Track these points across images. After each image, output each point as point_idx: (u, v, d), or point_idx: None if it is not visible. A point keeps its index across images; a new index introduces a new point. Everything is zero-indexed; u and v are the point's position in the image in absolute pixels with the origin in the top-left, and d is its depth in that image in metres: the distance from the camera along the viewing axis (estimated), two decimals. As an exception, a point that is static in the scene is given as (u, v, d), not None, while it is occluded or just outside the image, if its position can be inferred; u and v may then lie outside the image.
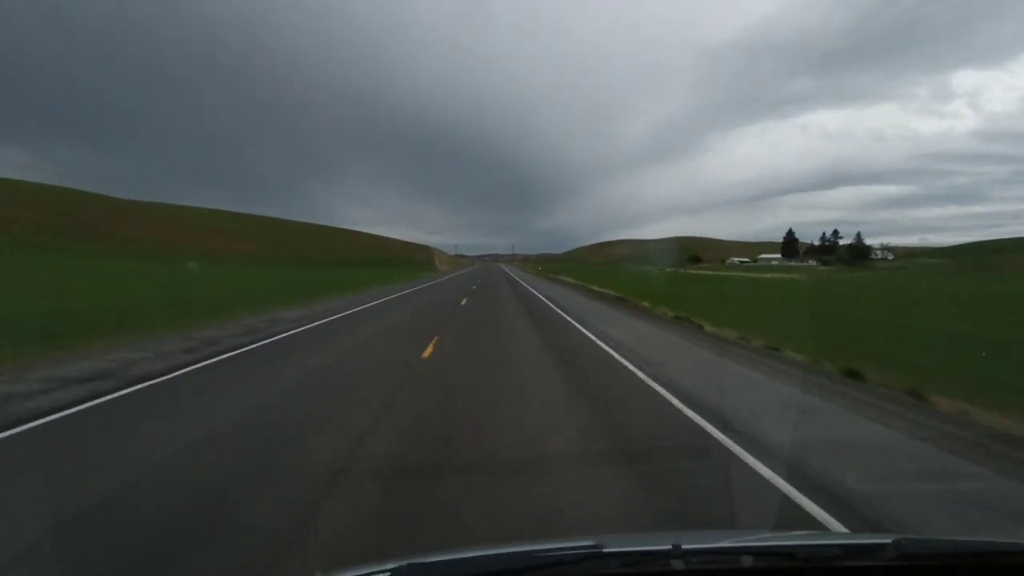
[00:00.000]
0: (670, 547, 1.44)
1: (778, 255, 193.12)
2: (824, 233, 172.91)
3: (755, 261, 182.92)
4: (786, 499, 3.93)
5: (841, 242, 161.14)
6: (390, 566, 1.38)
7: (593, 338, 12.50)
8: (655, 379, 8.05)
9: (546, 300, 26.54)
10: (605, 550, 1.43)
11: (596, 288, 35.33)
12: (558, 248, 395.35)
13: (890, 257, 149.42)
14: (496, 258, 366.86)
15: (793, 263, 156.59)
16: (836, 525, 3.53)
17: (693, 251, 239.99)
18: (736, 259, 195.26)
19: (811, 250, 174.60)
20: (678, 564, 1.42)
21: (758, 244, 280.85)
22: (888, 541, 1.49)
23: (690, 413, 6.25)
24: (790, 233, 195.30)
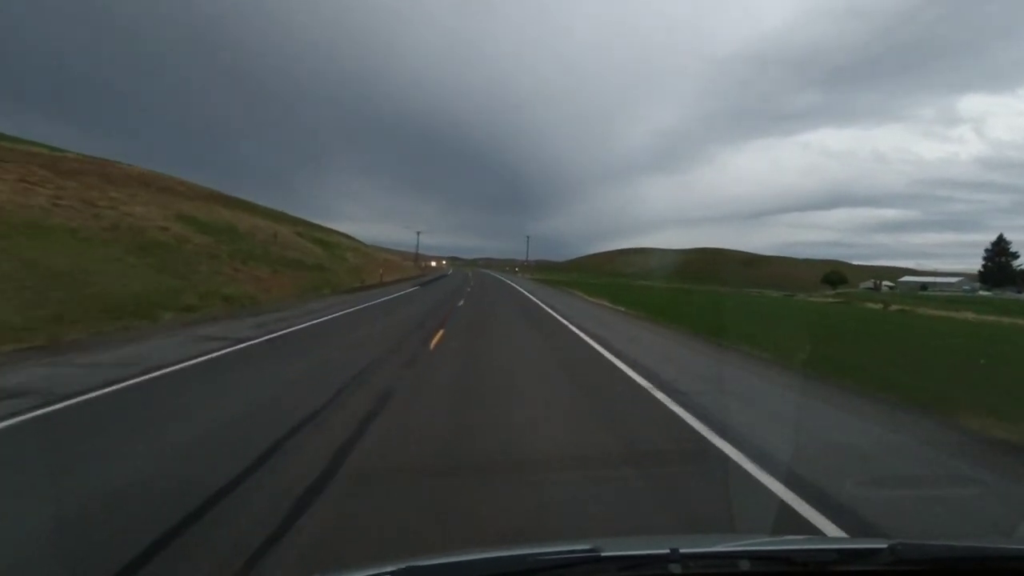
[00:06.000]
0: (668, 551, 1.43)
1: (950, 278, 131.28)
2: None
3: (924, 288, 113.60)
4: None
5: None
6: (388, 569, 1.36)
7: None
8: None
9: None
10: (603, 554, 1.42)
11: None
12: (558, 255, 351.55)
13: None
14: (489, 263, 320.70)
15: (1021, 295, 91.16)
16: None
17: (710, 263, 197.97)
18: (874, 283, 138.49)
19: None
20: (675, 568, 1.41)
21: (814, 262, 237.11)
22: (884, 546, 1.48)
23: None
24: (1001, 245, 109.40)
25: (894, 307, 40.72)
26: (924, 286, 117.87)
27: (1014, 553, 1.60)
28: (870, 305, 43.61)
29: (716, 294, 46.67)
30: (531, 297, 32.12)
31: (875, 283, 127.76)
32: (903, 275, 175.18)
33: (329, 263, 41.12)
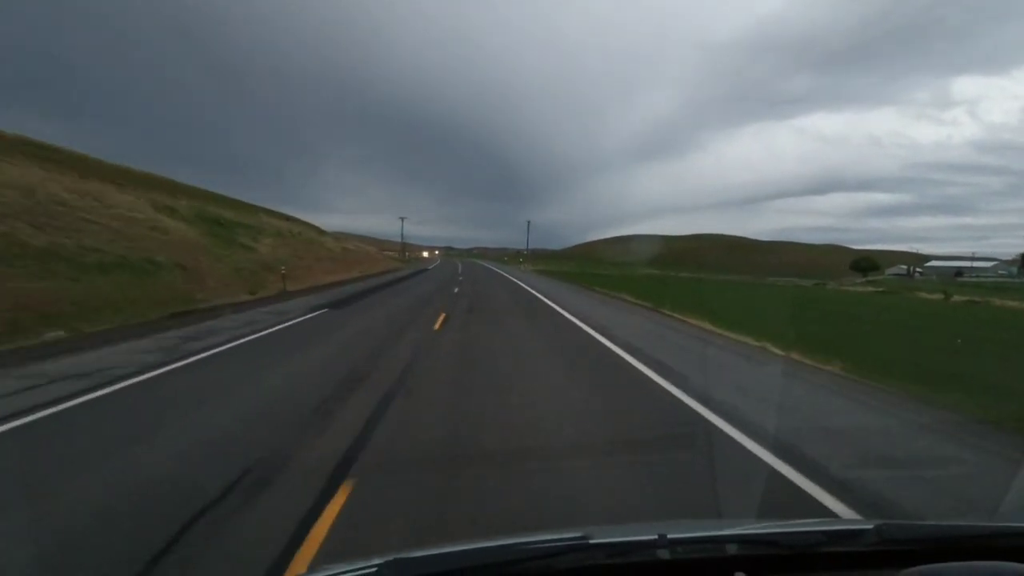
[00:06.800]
0: (655, 537, 1.43)
1: (983, 262, 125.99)
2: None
3: (960, 274, 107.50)
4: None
5: None
6: (376, 562, 1.35)
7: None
8: None
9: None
10: (591, 541, 1.42)
11: None
12: (554, 244, 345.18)
13: None
14: (484, 252, 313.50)
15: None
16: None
17: (710, 250, 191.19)
18: (903, 268, 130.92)
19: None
20: (664, 554, 1.41)
21: (817, 247, 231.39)
22: (870, 526, 1.48)
23: None
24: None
25: (957, 298, 34.67)
26: (959, 272, 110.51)
27: (998, 531, 1.59)
28: (923, 295, 37.62)
29: (787, 291, 40.32)
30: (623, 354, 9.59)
31: (909, 269, 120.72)
32: (899, 259, 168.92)
33: (193, 258, 21.26)
